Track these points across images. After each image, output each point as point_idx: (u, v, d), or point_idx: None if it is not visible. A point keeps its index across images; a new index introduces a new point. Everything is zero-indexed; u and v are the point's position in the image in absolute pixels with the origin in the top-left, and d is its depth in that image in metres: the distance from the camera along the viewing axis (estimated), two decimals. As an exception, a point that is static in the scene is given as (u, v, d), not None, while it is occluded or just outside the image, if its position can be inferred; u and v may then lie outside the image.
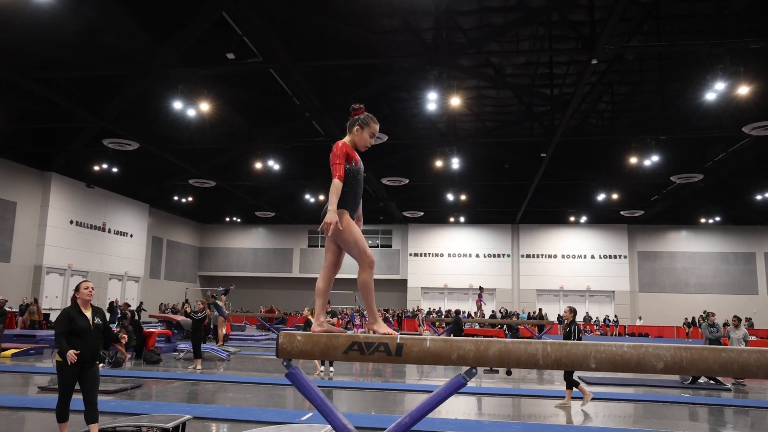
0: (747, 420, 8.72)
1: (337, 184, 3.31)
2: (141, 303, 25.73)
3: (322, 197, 26.40)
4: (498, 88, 16.37)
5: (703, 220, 31.56)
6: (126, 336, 5.56)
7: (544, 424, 8.01)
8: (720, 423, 8.41)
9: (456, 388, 3.15)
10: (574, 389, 9.04)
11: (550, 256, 33.16)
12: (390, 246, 35.39)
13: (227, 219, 35.44)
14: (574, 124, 17.36)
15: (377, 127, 3.60)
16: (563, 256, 33.05)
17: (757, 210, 27.80)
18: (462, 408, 8.77)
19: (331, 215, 3.22)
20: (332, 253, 3.57)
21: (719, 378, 11.57)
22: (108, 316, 17.17)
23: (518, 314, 29.80)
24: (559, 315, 29.81)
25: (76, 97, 15.21)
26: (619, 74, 15.60)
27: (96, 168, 21.50)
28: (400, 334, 3.21)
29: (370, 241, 35.71)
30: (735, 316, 13.21)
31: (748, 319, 28.90)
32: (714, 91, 13.43)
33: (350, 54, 13.29)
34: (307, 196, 26.38)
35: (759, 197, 24.69)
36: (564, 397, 9.24)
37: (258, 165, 19.76)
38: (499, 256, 33.45)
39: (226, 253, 36.55)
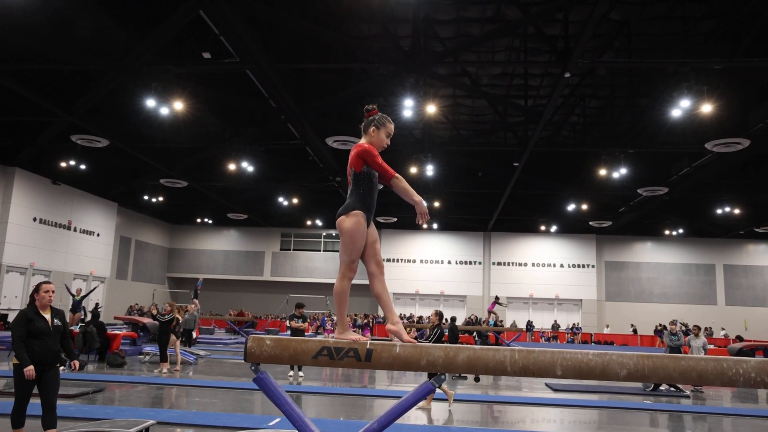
0: (704, 426, 8.99)
1: (401, 180, 3.35)
2: (97, 304, 24.58)
3: (295, 200, 26.35)
4: (473, 98, 16.59)
5: (667, 232, 32.37)
6: (77, 365, 5.36)
7: (512, 430, 8.14)
8: (679, 429, 8.66)
9: (425, 394, 3.18)
10: (438, 391, 8.94)
11: (520, 264, 33.58)
12: (362, 251, 35.45)
13: (198, 220, 34.97)
14: (547, 136, 17.67)
15: (392, 126, 3.59)
16: (533, 265, 33.50)
17: (717, 223, 28.64)
18: (432, 414, 8.85)
19: (419, 199, 3.30)
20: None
21: (679, 385, 11.89)
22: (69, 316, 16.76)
23: (488, 321, 30.07)
24: (528, 322, 30.28)
25: (44, 91, 14.78)
26: (590, 88, 15.94)
27: (63, 164, 20.90)
28: (371, 339, 3.26)
29: (342, 246, 35.68)
30: (695, 326, 13.66)
31: (708, 329, 29.75)
32: (679, 108, 13.85)
33: (329, 58, 13.33)
34: (281, 199, 26.26)
35: (719, 211, 25.43)
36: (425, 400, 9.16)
37: (231, 166, 19.61)
38: (470, 263, 33.74)
39: (197, 255, 36.07)
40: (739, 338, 22.46)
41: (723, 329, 30.37)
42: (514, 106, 16.24)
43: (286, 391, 3.32)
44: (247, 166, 19.73)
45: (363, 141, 3.53)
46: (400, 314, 31.94)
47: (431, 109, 15.38)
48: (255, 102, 15.48)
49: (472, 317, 30.33)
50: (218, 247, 36.09)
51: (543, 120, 15.04)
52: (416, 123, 17.41)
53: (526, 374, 2.99)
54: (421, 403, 8.95)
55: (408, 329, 24.47)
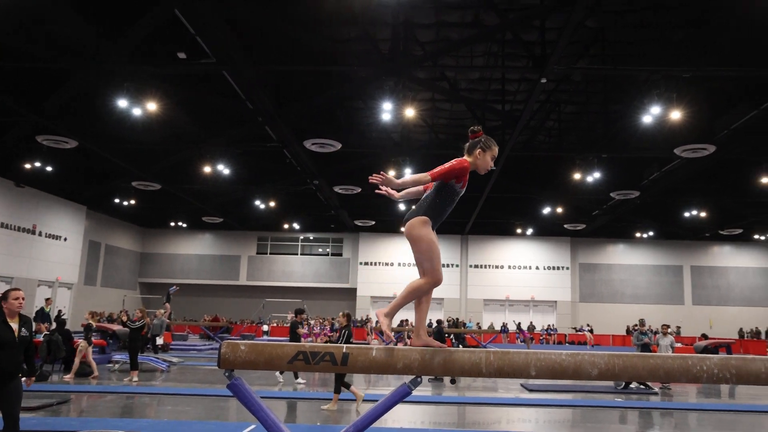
0: (671, 421, 9.25)
1: (425, 175, 3.38)
2: (60, 311, 23.26)
3: (272, 203, 26.25)
4: (452, 102, 16.74)
5: (638, 235, 33.03)
6: (30, 382, 5.23)
7: (488, 431, 8.27)
8: (647, 425, 8.90)
9: (401, 396, 3.17)
10: (346, 391, 9.00)
11: (497, 267, 33.91)
12: (340, 254, 35.35)
13: (172, 224, 34.40)
14: (523, 140, 17.92)
15: (497, 149, 3.60)
16: (509, 267, 33.86)
17: (685, 226, 29.31)
18: (408, 417, 8.93)
19: (392, 180, 3.35)
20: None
21: (648, 383, 12.20)
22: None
23: (465, 323, 30.33)
24: (503, 324, 30.62)
25: (9, 90, 14.19)
26: (566, 94, 16.22)
27: (27, 166, 19.97)
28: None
29: (320, 249, 35.62)
30: (664, 325, 14.05)
31: (678, 328, 30.46)
32: (650, 115, 14.20)
33: (308, 60, 13.32)
34: (257, 202, 26.14)
35: (687, 214, 26.06)
36: (331, 401, 9.13)
37: (207, 169, 19.45)
38: (448, 266, 33.92)
39: (170, 259, 35.50)
40: (705, 336, 22.99)
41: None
42: (491, 110, 16.43)
43: (263, 397, 3.33)
44: (223, 169, 19.62)
45: (467, 159, 3.54)
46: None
47: (410, 112, 15.49)
48: (232, 104, 15.37)
49: (449, 319, 30.52)
50: (192, 251, 35.61)
51: (520, 124, 15.26)
52: (395, 126, 17.51)
53: (501, 375, 3.05)
54: (327, 406, 9.00)
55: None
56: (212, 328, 25.95)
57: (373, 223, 30.63)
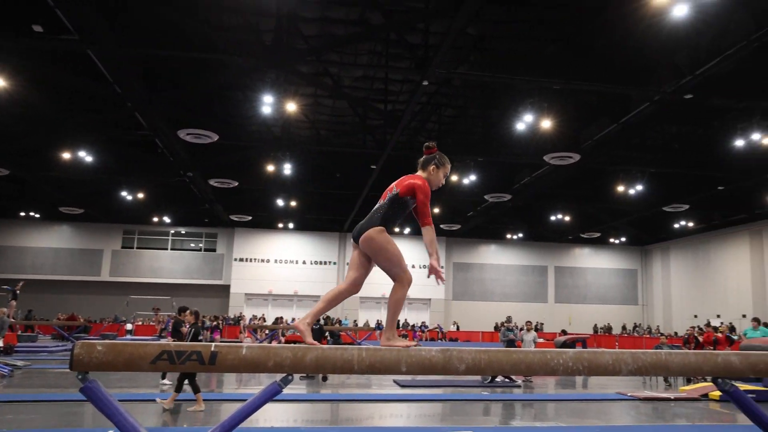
0: (532, 412, 9.83)
1: (432, 230, 3.46)
2: None
3: (141, 195, 24.77)
4: (334, 98, 16.68)
5: (509, 236, 35.00)
6: None
7: (359, 427, 8.29)
8: (510, 416, 9.38)
9: (271, 395, 3.10)
10: (186, 393, 8.65)
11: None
12: (214, 250, 34.06)
13: (23, 214, 31.19)
14: (404, 140, 18.26)
15: (450, 166, 3.75)
16: (386, 265, 34.45)
17: (551, 229, 31.53)
18: (280, 415, 8.75)
19: (436, 258, 3.42)
20: (359, 270, 3.53)
21: (512, 376, 12.91)
22: None
23: (341, 321, 30.46)
24: (378, 321, 31.09)
25: None
26: (446, 97, 16.73)
27: None
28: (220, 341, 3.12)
29: (192, 244, 34.13)
30: (527, 322, 14.97)
31: (541, 324, 32.68)
32: (523, 122, 15.06)
33: (184, 45, 12.63)
34: (124, 193, 24.52)
35: (553, 218, 28.04)
36: (196, 401, 8.67)
37: (66, 155, 17.87)
38: (325, 263, 33.91)
39: (20, 253, 32.04)
40: (564, 332, 24.84)
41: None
42: (374, 109, 16.58)
43: (123, 401, 3.07)
44: (86, 156, 18.17)
45: (421, 175, 3.64)
46: (253, 315, 31.30)
47: (291, 107, 15.24)
48: (97, 86, 14.22)
49: (326, 317, 30.47)
50: (47, 244, 32.51)
51: (401, 125, 15.52)
52: (276, 120, 17.15)
53: (373, 372, 3.05)
54: (193, 407, 8.62)
55: (258, 331, 23.99)
56: (67, 327, 23.86)
57: (250, 218, 29.88)
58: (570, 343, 22.29)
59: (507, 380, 13.22)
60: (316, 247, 33.91)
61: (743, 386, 10.89)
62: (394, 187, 3.65)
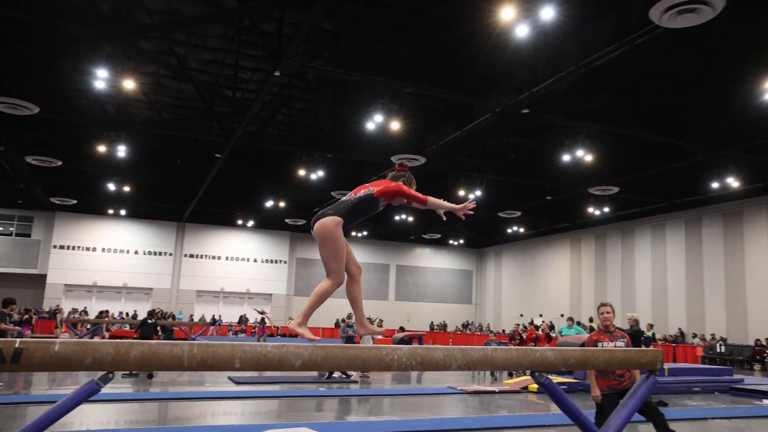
0: (367, 407, 10.02)
1: (431, 199, 3.81)
2: None
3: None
4: (179, 80, 15.73)
5: (354, 234, 35.54)
6: None
7: (188, 426, 7.87)
8: (346, 411, 9.48)
9: (87, 395, 2.80)
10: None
11: (214, 258, 33.11)
12: (28, 235, 30.47)
13: None
14: (252, 130, 17.74)
15: (415, 188, 3.94)
16: (227, 258, 33.37)
17: (394, 228, 32.60)
18: (99, 417, 8.04)
19: (456, 206, 3.79)
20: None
21: (349, 372, 13.11)
22: None
23: (174, 315, 28.92)
24: (213, 316, 30.04)
25: None
26: (299, 90, 16.50)
27: None
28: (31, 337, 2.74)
29: (1, 228, 30.34)
30: (368, 318, 15.25)
31: (382, 321, 33.61)
32: (373, 122, 15.33)
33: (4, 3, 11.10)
34: None
35: (397, 217, 28.98)
36: None
37: None
38: (160, 253, 32.01)
39: None
40: (402, 329, 25.77)
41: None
42: (221, 96, 15.90)
43: None
44: None
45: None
46: (73, 308, 28.64)
47: (129, 84, 14.10)
48: None
49: (158, 311, 28.75)
50: None
51: (250, 114, 15.05)
52: (111, 97, 15.79)
53: (204, 368, 2.87)
54: None
55: (78, 326, 22.03)
56: None
57: (75, 202, 27.16)
58: (407, 340, 23.17)
59: (344, 376, 13.38)
60: (150, 236, 31.88)
61: (558, 379, 12.05)
62: (369, 187, 3.81)
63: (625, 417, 4.24)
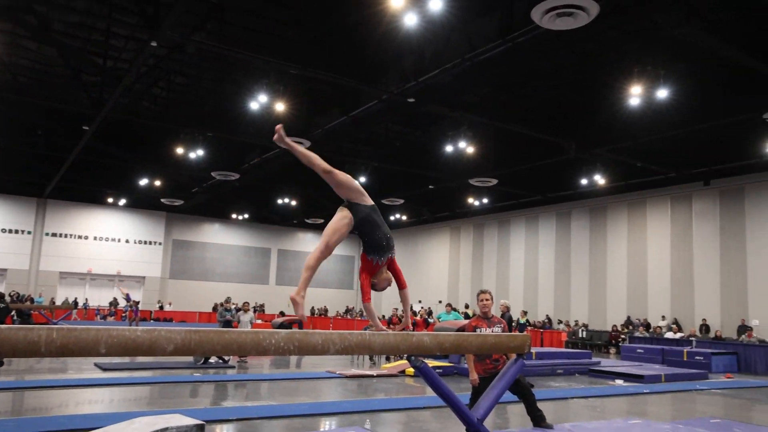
0: (244, 392, 9.84)
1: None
2: None
3: None
4: (40, 42, 14.34)
5: (234, 216, 34.64)
6: None
7: (48, 416, 7.30)
8: (222, 396, 9.25)
9: None
10: None
11: (80, 237, 30.82)
12: None
13: None
14: (126, 103, 16.60)
15: None
16: (95, 238, 31.21)
17: (277, 212, 32.11)
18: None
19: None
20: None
21: (225, 357, 12.80)
22: None
23: (33, 299, 26.64)
24: (75, 299, 28.01)
25: None
26: (178, 63, 15.65)
27: None
28: None
29: None
30: (244, 302, 14.99)
31: (262, 305, 33.17)
32: (258, 102, 14.89)
33: None
34: None
35: (279, 201, 28.55)
36: None
37: None
38: (17, 231, 29.28)
39: None
40: (282, 314, 25.53)
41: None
42: (91, 63, 14.72)
43: None
44: None
45: None
46: None
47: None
48: None
49: (12, 294, 26.36)
50: None
51: (122, 85, 14.08)
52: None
53: (65, 354, 2.68)
54: None
55: None
56: None
57: None
58: (287, 325, 22.97)
59: (221, 361, 13.04)
60: (4, 212, 29.05)
61: (434, 363, 12.51)
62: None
63: (494, 397, 4.48)
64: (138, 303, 24.81)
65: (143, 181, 24.67)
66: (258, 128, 17.31)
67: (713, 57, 11.64)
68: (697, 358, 15.89)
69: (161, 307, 31.22)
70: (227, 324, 13.60)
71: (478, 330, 5.76)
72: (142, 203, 30.79)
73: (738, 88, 13.39)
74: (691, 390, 11.84)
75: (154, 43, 11.83)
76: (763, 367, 16.11)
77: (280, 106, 14.70)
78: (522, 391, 6.00)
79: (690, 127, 14.80)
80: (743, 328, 18.34)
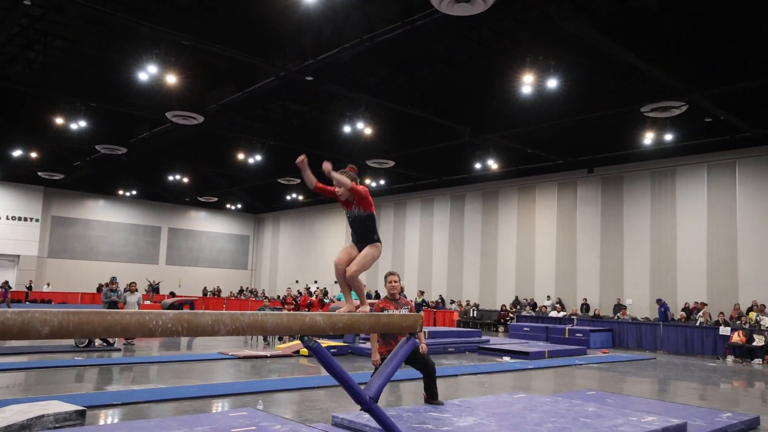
0: (131, 375, 9.42)
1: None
2: None
3: None
4: None
5: (121, 192, 32.77)
6: None
7: None
8: (106, 381, 8.81)
9: None
10: None
11: (-58, 213, 27.97)
12: None
13: None
14: (-4, 66, 15.19)
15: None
16: (-39, 214, 28.45)
17: (167, 189, 30.75)
18: None
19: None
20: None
21: (110, 339, 12.21)
22: None
23: None
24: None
25: None
26: (57, 26, 14.43)
27: None
28: None
29: None
30: (131, 282, 14.32)
31: (158, 284, 31.80)
32: (147, 73, 14.07)
33: None
34: None
35: (171, 178, 27.36)
36: None
37: None
38: None
39: None
40: (173, 294, 24.64)
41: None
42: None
43: None
44: None
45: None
46: None
47: None
48: None
49: None
50: None
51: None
52: None
53: None
54: None
55: None
56: None
57: None
58: (177, 306, 22.21)
59: (105, 344, 12.41)
60: None
61: (328, 343, 12.58)
62: (360, 204, 4.73)
63: (387, 376, 4.59)
64: (7, 283, 22.94)
65: (17, 153, 22.72)
66: (147, 100, 16.43)
67: (599, 51, 12.38)
68: (578, 335, 17.11)
69: (29, 288, 28.87)
70: (113, 305, 12.94)
71: (385, 311, 5.76)
72: (16, 176, 28.40)
73: (620, 82, 14.37)
74: (571, 365, 12.74)
75: (27, 2, 10.85)
76: (634, 342, 17.65)
77: (171, 79, 14.01)
78: (426, 369, 6.21)
79: (576, 116, 15.72)
80: (618, 307, 19.93)
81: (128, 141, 20.50)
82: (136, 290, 14.13)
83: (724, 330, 15.78)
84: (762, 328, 15.51)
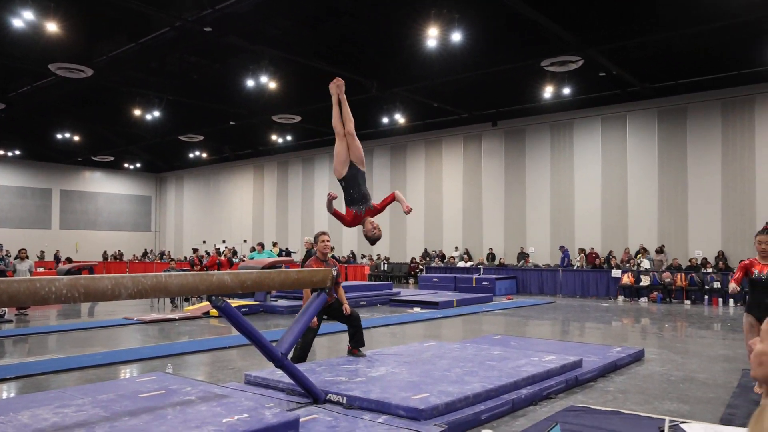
0: (26, 347, 8.88)
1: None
2: None
3: None
4: None
5: (2, 152, 30.19)
6: None
7: None
8: (-1, 359, 8.25)
9: None
10: None
11: None
12: None
13: None
14: None
15: None
16: None
17: (57, 148, 28.62)
18: None
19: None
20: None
21: (5, 310, 11.44)
22: None
23: None
24: None
25: None
26: None
27: None
28: None
29: None
30: (21, 249, 13.41)
31: (42, 252, 29.83)
32: (22, 19, 12.80)
33: None
34: None
35: (59, 136, 25.45)
36: None
37: None
38: None
39: None
40: (69, 260, 23.24)
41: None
42: None
43: None
44: None
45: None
46: None
47: None
48: None
49: None
50: None
51: None
52: None
53: None
54: None
55: None
56: None
57: None
58: (75, 272, 20.99)
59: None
60: None
61: (238, 302, 12.39)
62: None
63: (297, 332, 4.59)
64: None
65: None
66: (26, 51, 15.02)
67: (501, 5, 12.54)
68: (484, 283, 17.86)
69: None
70: (1, 274, 12.03)
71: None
72: None
73: (521, 37, 14.70)
74: (479, 312, 13.30)
75: None
76: (536, 288, 18.69)
77: (52, 26, 12.83)
78: (350, 320, 6.28)
79: (480, 70, 15.97)
80: (522, 255, 20.95)
81: (7, 95, 18.77)
82: (27, 257, 13.22)
83: (615, 273, 17.03)
84: (642, 269, 16.91)
